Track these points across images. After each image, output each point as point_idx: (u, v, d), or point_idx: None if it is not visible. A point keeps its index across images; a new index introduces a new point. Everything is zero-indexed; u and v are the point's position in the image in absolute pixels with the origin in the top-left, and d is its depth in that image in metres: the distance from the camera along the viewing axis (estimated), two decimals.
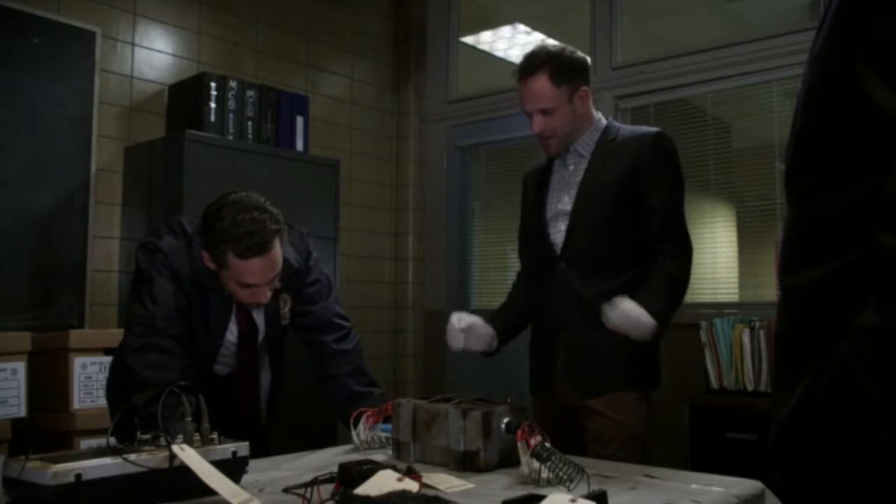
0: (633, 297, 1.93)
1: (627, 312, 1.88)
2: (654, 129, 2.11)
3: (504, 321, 2.23)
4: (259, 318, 2.11)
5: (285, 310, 2.13)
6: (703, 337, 3.20)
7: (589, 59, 2.15)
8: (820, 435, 0.78)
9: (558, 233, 2.09)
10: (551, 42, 2.11)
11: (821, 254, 0.81)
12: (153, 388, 1.68)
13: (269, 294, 1.97)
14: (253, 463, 1.50)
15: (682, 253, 2.04)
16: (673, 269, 2.00)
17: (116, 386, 2.19)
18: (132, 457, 1.27)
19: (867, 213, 0.74)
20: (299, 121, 3.88)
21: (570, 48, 2.10)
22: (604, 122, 2.16)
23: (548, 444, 1.49)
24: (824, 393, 0.77)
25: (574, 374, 2.04)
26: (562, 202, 2.11)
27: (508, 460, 1.60)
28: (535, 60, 2.05)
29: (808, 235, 0.85)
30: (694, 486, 1.48)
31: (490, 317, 2.23)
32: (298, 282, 2.16)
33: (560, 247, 2.08)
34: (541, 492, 1.30)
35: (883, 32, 0.73)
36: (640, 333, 1.89)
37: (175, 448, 1.30)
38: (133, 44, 3.66)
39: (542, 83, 2.03)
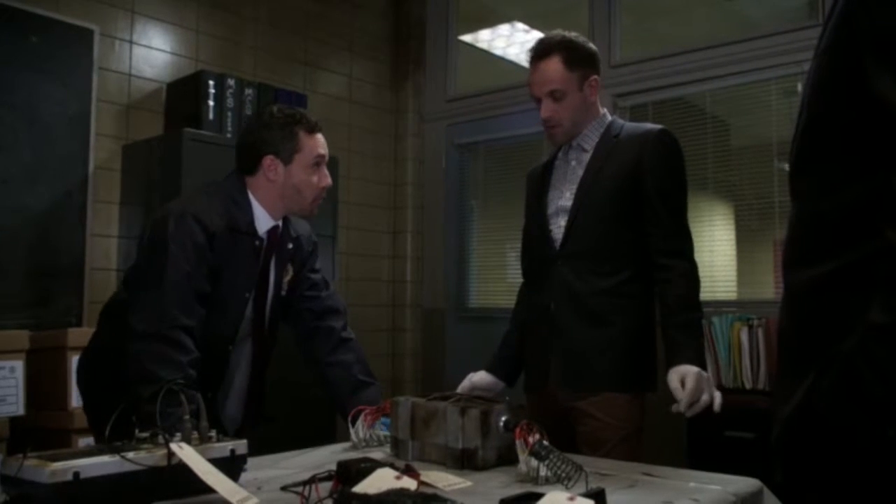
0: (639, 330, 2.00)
1: (692, 382, 1.84)
2: (657, 127, 2.09)
3: (504, 365, 2.22)
4: (272, 275, 2.11)
5: (286, 279, 2.14)
6: None
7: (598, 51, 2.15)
8: (824, 433, 0.78)
9: (558, 228, 2.08)
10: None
11: (825, 251, 0.80)
12: (156, 385, 1.69)
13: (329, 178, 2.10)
14: (251, 461, 1.49)
15: (688, 272, 1.99)
16: (688, 299, 1.97)
17: (96, 374, 2.10)
18: (130, 455, 1.27)
19: (873, 209, 0.73)
20: None
21: (582, 37, 2.11)
22: (608, 118, 2.14)
23: (546, 443, 1.49)
24: (829, 391, 0.76)
25: (566, 373, 2.03)
26: (563, 198, 2.10)
27: (506, 458, 1.59)
28: (549, 44, 2.06)
29: (813, 232, 0.84)
30: (692, 484, 1.48)
31: (493, 358, 2.23)
32: (305, 258, 2.20)
33: (559, 242, 2.07)
34: (539, 490, 1.30)
35: (891, 26, 0.72)
36: (709, 387, 1.87)
37: (173, 446, 1.30)
38: (131, 42, 3.66)
39: (555, 65, 2.03)
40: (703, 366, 1.90)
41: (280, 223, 2.10)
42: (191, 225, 1.90)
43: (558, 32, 2.09)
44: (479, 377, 2.17)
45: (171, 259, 1.86)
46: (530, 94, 2.10)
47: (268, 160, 2.01)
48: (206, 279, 1.92)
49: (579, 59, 2.06)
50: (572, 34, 2.09)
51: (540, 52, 2.06)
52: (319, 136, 2.07)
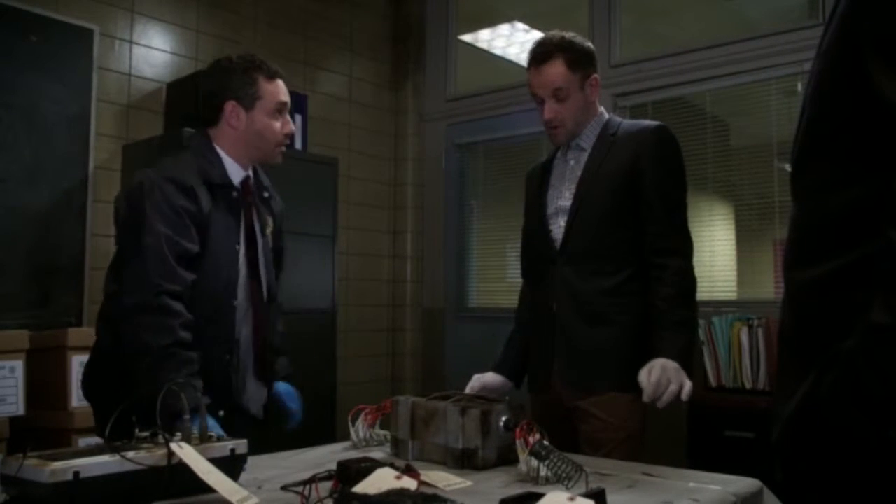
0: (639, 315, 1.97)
1: (656, 373, 1.85)
2: (654, 123, 2.09)
3: (512, 365, 2.22)
4: (257, 225, 2.11)
5: (268, 230, 2.14)
6: (702, 335, 3.20)
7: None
8: (825, 433, 0.78)
9: (558, 228, 2.08)
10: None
11: (826, 250, 0.80)
12: (152, 355, 1.76)
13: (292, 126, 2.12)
14: (251, 460, 1.49)
15: (682, 271, 1.98)
16: (679, 298, 1.96)
17: (104, 380, 2.04)
18: (130, 454, 1.27)
19: (874, 209, 0.73)
20: (298, 119, 3.88)
21: (580, 36, 2.11)
22: (606, 115, 2.15)
23: (546, 443, 1.49)
24: (830, 391, 0.76)
25: (569, 373, 2.03)
26: (562, 197, 2.10)
27: (507, 458, 1.60)
28: (550, 46, 2.06)
29: (814, 231, 0.84)
30: (692, 484, 1.48)
31: (500, 358, 2.23)
32: (280, 212, 2.20)
33: (560, 242, 2.07)
34: (539, 490, 1.30)
35: (892, 27, 0.73)
36: (677, 376, 1.87)
37: (173, 446, 1.30)
38: (131, 42, 3.66)
39: (557, 67, 2.04)
40: (682, 362, 1.88)
41: (251, 174, 2.11)
42: (163, 186, 1.89)
43: (557, 33, 2.08)
44: (489, 377, 2.16)
45: (148, 226, 1.85)
46: (531, 95, 2.10)
47: (229, 106, 2.02)
48: (191, 238, 1.90)
49: (581, 60, 2.06)
50: (570, 34, 2.09)
51: (542, 55, 2.06)
52: (280, 83, 2.08)
